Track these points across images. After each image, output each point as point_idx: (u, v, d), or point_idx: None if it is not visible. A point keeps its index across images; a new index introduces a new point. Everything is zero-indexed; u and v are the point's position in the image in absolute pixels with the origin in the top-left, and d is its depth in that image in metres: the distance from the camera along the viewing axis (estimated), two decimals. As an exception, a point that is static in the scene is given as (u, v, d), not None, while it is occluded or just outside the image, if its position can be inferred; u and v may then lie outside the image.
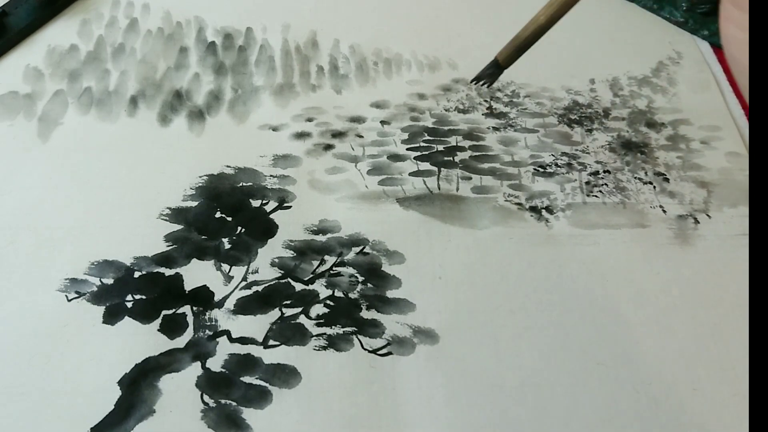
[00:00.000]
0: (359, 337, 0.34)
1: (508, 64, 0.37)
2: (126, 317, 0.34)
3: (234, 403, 0.31)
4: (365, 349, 0.34)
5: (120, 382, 0.32)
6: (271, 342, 0.34)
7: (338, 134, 0.43)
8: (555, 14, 0.34)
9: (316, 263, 0.37)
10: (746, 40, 0.18)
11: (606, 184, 0.41)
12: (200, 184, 0.40)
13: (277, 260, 0.37)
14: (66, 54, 0.47)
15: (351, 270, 0.37)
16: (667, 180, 0.42)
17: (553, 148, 0.43)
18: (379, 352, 0.34)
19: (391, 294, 0.36)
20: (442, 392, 0.32)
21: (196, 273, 0.36)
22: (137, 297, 0.35)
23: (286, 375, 0.33)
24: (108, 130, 0.43)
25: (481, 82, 0.39)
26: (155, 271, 0.36)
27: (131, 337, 0.33)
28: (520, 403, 0.32)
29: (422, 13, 0.52)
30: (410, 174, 0.41)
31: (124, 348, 0.33)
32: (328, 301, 0.35)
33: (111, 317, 0.34)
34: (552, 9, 0.34)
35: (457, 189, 0.41)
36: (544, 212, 0.40)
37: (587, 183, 0.41)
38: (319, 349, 0.33)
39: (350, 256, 0.37)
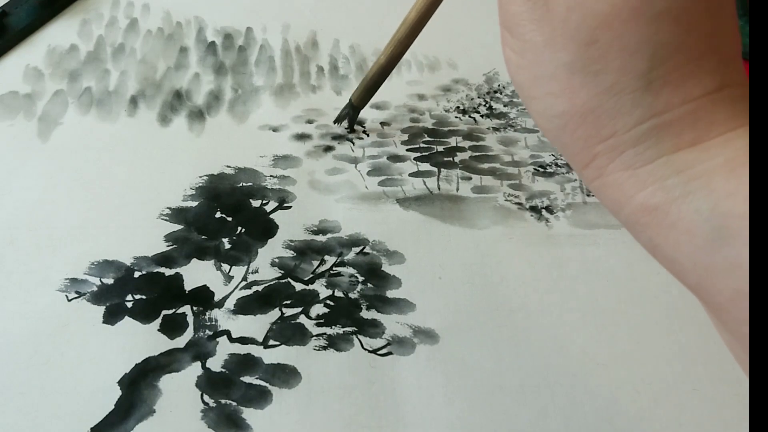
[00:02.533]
0: (359, 337, 0.34)
1: (362, 105, 0.41)
2: (126, 317, 0.34)
3: (234, 403, 0.31)
4: (365, 349, 0.34)
5: (120, 382, 0.32)
6: (271, 342, 0.34)
7: (338, 136, 0.43)
8: (394, 53, 0.38)
9: (316, 263, 0.37)
10: (520, 63, 0.21)
11: (606, 185, 0.41)
12: (200, 184, 0.40)
13: (277, 260, 0.37)
14: (66, 54, 0.47)
15: (351, 270, 0.37)
16: (666, 180, 0.42)
17: (553, 148, 0.43)
18: (379, 352, 0.34)
19: (391, 294, 0.36)
20: (442, 392, 0.32)
21: (196, 273, 0.36)
22: (137, 297, 0.35)
23: (286, 375, 0.33)
24: (108, 130, 0.43)
25: (341, 123, 0.43)
26: (155, 271, 0.36)
27: (131, 337, 0.33)
28: (520, 403, 0.32)
29: (422, 13, 0.52)
30: (410, 174, 0.41)
31: (124, 348, 0.33)
32: (328, 301, 0.35)
33: (111, 317, 0.34)
34: (390, 49, 0.38)
35: (457, 189, 0.41)
36: (544, 212, 0.40)
37: (587, 183, 0.41)
38: (319, 349, 0.33)
39: (350, 256, 0.37)
